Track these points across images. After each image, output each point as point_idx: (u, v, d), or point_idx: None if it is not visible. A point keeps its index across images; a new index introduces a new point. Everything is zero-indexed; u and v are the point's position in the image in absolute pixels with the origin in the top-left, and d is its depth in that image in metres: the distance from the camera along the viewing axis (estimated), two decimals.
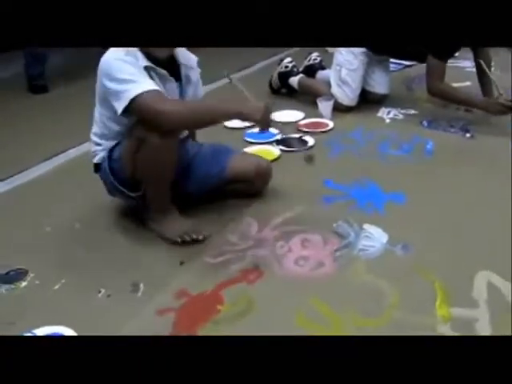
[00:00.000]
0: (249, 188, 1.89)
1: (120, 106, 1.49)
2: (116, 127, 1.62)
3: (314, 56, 3.10)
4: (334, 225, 1.72)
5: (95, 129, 1.68)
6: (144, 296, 1.44)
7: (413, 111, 2.75)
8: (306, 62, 3.10)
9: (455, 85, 2.70)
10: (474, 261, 1.52)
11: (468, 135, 2.44)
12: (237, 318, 1.35)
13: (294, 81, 2.98)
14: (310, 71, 3.05)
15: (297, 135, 2.46)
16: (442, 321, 1.31)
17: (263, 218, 1.78)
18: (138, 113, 1.51)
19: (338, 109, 2.71)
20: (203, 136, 1.95)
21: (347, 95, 2.74)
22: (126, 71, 1.49)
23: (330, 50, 3.43)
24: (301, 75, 2.99)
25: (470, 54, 2.65)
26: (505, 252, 1.53)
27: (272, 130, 2.50)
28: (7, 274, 1.54)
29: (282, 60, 3.07)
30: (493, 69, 2.65)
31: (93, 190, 1.81)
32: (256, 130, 2.09)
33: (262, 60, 3.84)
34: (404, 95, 3.03)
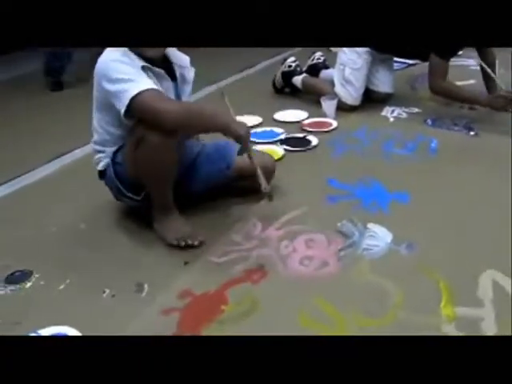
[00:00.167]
0: (253, 185, 1.89)
1: (122, 107, 1.48)
2: (117, 131, 1.62)
3: (318, 55, 3.10)
4: (339, 224, 1.72)
5: (95, 137, 1.68)
6: (148, 296, 1.45)
7: (416, 110, 2.75)
8: (309, 62, 3.10)
9: (459, 83, 2.70)
10: (478, 260, 1.52)
11: (472, 133, 2.43)
12: (241, 318, 1.35)
13: (297, 80, 2.98)
14: (314, 70, 3.05)
15: (301, 135, 2.46)
16: (447, 320, 1.30)
17: (267, 218, 1.78)
18: (138, 112, 1.50)
19: (342, 108, 2.71)
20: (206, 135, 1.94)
21: (351, 94, 2.74)
22: (124, 71, 1.49)
23: (333, 49, 3.43)
24: (304, 74, 2.99)
25: (474, 53, 2.64)
26: (510, 250, 1.52)
27: (276, 129, 2.51)
28: (12, 274, 1.55)
29: (285, 59, 3.07)
30: (497, 67, 2.64)
31: (98, 190, 1.82)
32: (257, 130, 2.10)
33: (265, 60, 3.84)
34: (408, 94, 3.02)
